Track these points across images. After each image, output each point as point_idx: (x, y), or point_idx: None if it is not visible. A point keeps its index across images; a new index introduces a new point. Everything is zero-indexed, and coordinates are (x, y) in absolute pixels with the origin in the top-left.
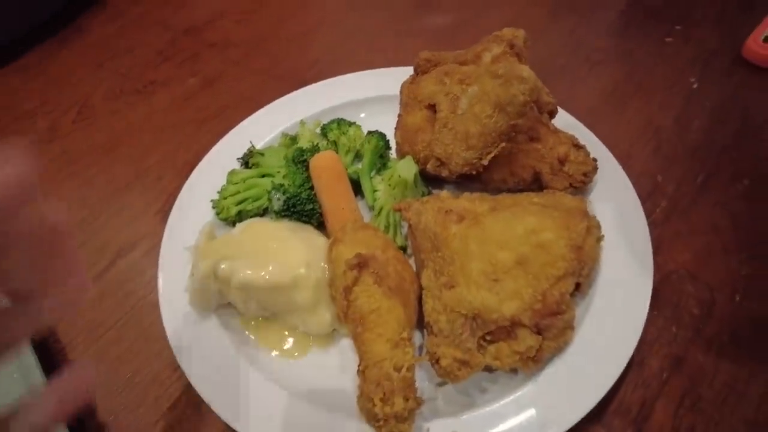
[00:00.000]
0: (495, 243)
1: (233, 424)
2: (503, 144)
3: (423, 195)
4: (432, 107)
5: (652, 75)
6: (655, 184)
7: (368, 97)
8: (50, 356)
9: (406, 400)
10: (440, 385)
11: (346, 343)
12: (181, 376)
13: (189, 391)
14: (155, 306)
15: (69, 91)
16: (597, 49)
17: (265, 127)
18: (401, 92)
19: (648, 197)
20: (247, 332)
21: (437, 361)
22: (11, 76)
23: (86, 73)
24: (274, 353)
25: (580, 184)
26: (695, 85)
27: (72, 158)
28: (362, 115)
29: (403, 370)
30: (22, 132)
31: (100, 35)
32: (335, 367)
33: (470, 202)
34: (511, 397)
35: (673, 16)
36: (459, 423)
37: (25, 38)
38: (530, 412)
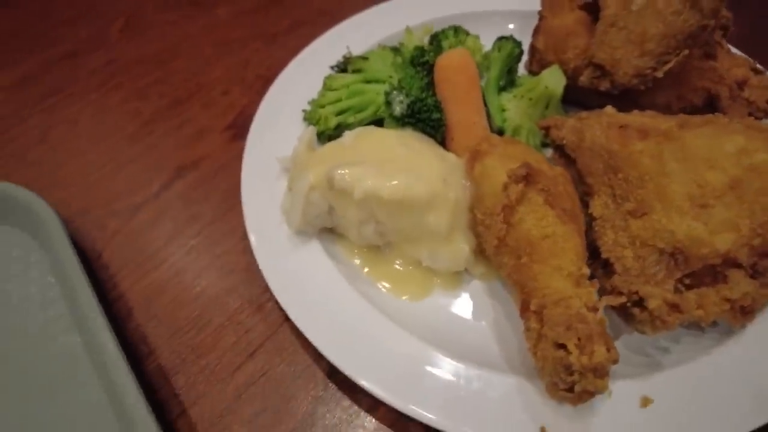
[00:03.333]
0: (702, 161)
1: (349, 371)
2: (686, 52)
3: None
4: (589, 6)
5: None
6: None
7: (486, 10)
8: (97, 283)
9: (608, 350)
10: None
11: (477, 287)
12: (265, 317)
13: (278, 336)
14: (228, 233)
15: (115, 0)
16: None
17: (360, 35)
18: None
19: None
20: (357, 261)
21: (637, 303)
22: None
23: None
24: (385, 291)
25: (763, 113)
26: None
27: (120, 69)
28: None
29: (599, 311)
30: (60, 41)
31: None
32: (467, 313)
33: (649, 117)
34: (712, 357)
35: None
36: (648, 386)
37: None
38: (739, 378)
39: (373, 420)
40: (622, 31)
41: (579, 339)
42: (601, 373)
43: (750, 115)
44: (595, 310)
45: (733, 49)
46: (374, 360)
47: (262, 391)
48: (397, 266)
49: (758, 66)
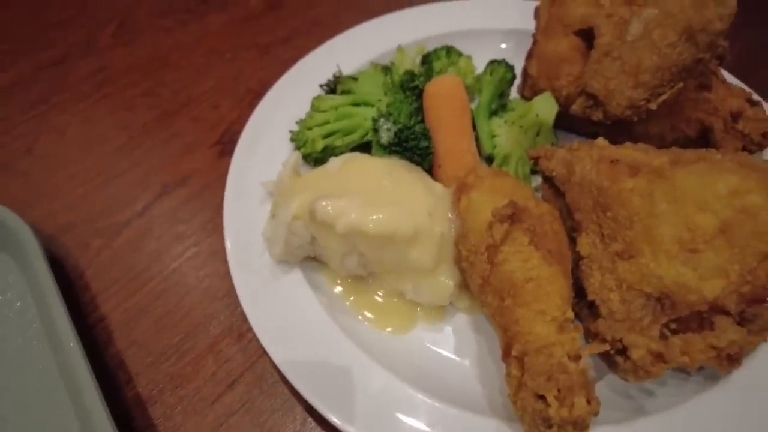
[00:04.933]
0: (692, 203)
1: (325, 411)
2: (680, 84)
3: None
4: (583, 33)
5: None
6: None
7: (480, 28)
8: (78, 305)
9: (588, 402)
10: None
11: (461, 320)
12: (246, 347)
13: (257, 366)
14: (212, 255)
15: (108, 3)
16: None
17: (352, 51)
18: (537, 15)
19: None
20: (339, 290)
21: (620, 351)
22: None
23: None
24: (368, 323)
25: (757, 147)
26: None
27: (110, 77)
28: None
29: (582, 361)
30: (50, 45)
31: None
32: (450, 348)
33: (642, 152)
34: (699, 402)
35: None
36: None
37: None
38: (728, 426)
39: None
40: (617, 62)
41: (559, 390)
42: (580, 426)
43: (744, 148)
44: (577, 359)
45: (730, 77)
46: (352, 399)
47: (240, 424)
48: (379, 298)
49: (754, 97)
